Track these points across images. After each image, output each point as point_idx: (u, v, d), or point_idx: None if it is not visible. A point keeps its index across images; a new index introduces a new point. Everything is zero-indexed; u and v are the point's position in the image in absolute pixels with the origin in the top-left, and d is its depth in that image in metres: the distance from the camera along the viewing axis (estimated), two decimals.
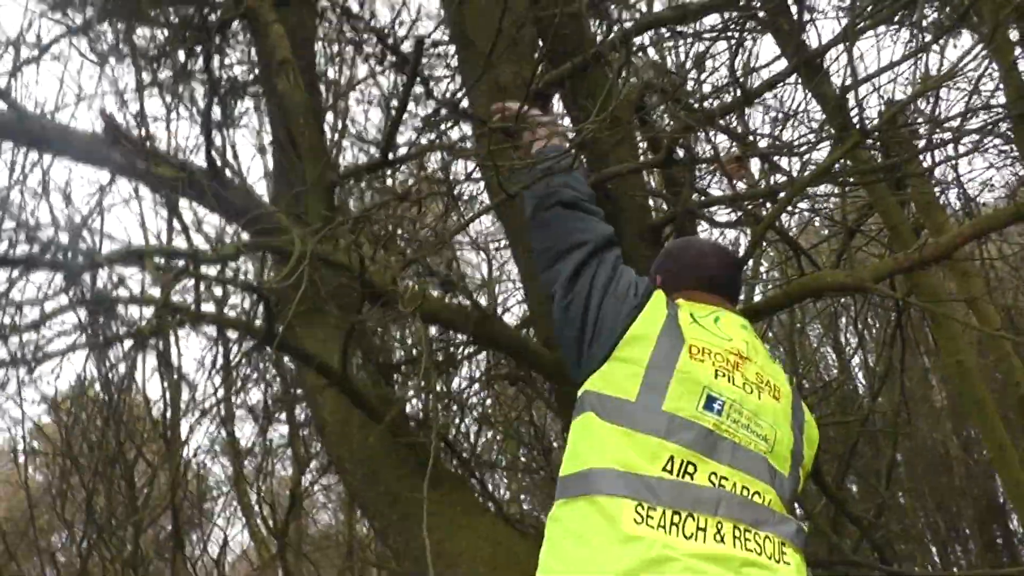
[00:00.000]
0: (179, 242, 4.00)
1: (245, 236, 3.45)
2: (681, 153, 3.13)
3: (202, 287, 3.18)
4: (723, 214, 3.58)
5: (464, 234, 4.74)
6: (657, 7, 4.87)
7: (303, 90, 3.17)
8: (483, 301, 5.88)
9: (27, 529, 6.83)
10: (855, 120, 2.63)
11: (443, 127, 3.84)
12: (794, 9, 3.47)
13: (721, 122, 4.44)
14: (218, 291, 3.96)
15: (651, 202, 3.80)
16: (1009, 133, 5.39)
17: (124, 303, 3.10)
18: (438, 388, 4.01)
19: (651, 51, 4.48)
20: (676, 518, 1.77)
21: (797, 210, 4.05)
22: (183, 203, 3.83)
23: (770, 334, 10.04)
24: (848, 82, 2.63)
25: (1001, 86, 5.43)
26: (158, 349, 7.25)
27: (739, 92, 2.95)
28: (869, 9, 3.53)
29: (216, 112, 4.11)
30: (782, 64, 3.58)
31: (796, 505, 2.30)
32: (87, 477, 6.18)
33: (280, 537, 6.13)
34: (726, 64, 3.09)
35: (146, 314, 3.32)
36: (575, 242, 2.28)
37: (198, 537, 8.38)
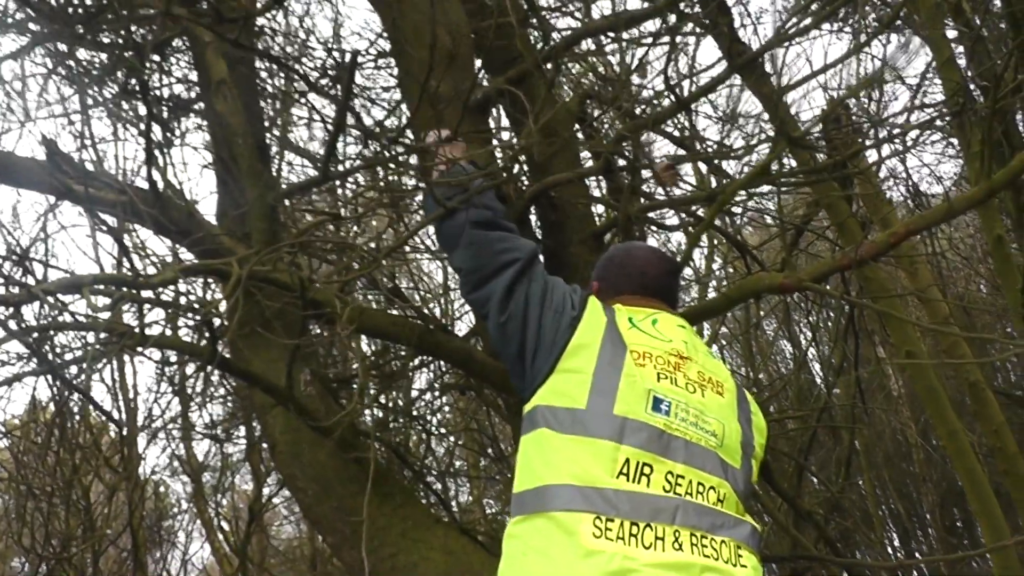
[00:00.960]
0: (129, 263, 3.95)
1: (190, 257, 3.44)
2: (621, 161, 3.17)
3: (147, 309, 3.16)
4: (667, 218, 3.62)
5: (417, 243, 4.75)
6: (597, 14, 4.89)
7: (241, 111, 3.17)
8: (438, 311, 5.91)
9: None
10: (787, 123, 2.68)
11: (385, 141, 3.85)
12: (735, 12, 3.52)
13: (667, 126, 4.51)
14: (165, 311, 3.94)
15: (594, 208, 3.84)
16: (949, 127, 5.50)
17: (68, 329, 3.07)
18: (383, 401, 4.02)
19: (591, 59, 4.50)
20: (635, 529, 1.79)
21: (742, 210, 4.11)
22: (130, 226, 3.79)
23: (725, 329, 10.19)
24: (781, 84, 2.68)
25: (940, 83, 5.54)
26: (111, 371, 7.21)
27: (674, 98, 2.98)
28: (812, 8, 3.60)
29: (157, 133, 4.08)
30: (723, 67, 3.63)
31: (753, 498, 2.34)
32: (43, 502, 6.11)
33: (241, 552, 6.08)
34: (665, 70, 3.11)
35: (91, 339, 3.30)
36: (504, 261, 2.27)
37: (159, 556, 8.30)
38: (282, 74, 3.94)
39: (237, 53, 3.36)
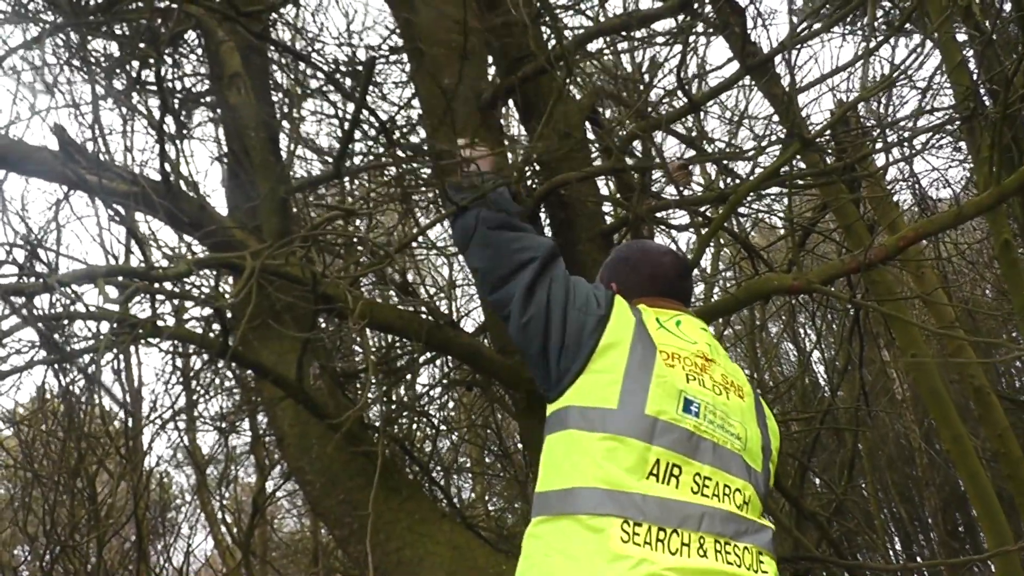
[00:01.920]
0: (142, 254, 3.97)
1: (201, 249, 3.45)
2: (631, 160, 3.18)
3: (160, 301, 3.18)
4: (675, 218, 3.62)
5: (426, 239, 4.77)
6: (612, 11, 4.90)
7: (254, 104, 3.18)
8: (445, 307, 5.92)
9: None
10: (799, 125, 2.69)
11: (399, 137, 3.86)
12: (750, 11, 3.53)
13: (678, 126, 4.52)
14: (176, 303, 3.96)
15: (605, 207, 3.85)
16: (958, 132, 5.50)
17: (81, 319, 3.09)
18: (393, 396, 4.04)
19: (605, 58, 4.52)
20: (662, 534, 1.80)
21: (752, 211, 4.11)
22: (140, 216, 3.81)
23: (730, 331, 10.17)
24: (796, 86, 2.69)
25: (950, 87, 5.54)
26: (117, 362, 7.23)
27: (686, 98, 2.99)
28: (823, 11, 3.61)
29: (170, 124, 4.10)
30: (735, 68, 3.64)
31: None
32: (48, 490, 6.14)
33: (243, 544, 6.10)
34: (678, 70, 3.12)
35: (104, 329, 3.31)
36: (522, 260, 2.26)
37: (162, 547, 8.34)
38: (296, 67, 3.94)
39: (253, 46, 3.37)
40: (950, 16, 5.48)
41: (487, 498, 9.12)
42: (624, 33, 3.72)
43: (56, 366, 4.80)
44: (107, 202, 3.12)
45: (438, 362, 4.52)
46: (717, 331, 9.81)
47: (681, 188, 3.14)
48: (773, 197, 5.66)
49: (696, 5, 3.17)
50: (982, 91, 5.62)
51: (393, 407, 3.88)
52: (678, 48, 3.66)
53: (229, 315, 3.15)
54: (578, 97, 3.94)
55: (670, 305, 2.35)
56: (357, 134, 4.12)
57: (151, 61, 3.88)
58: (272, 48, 3.73)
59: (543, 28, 3.77)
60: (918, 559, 15.41)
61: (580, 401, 2.02)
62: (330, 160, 3.54)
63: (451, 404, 5.89)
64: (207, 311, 3.42)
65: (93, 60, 4.12)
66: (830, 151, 3.55)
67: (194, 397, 5.51)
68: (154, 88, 3.91)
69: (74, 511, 6.60)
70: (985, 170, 3.10)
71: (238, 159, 3.57)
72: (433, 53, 3.44)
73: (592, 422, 1.97)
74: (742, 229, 7.96)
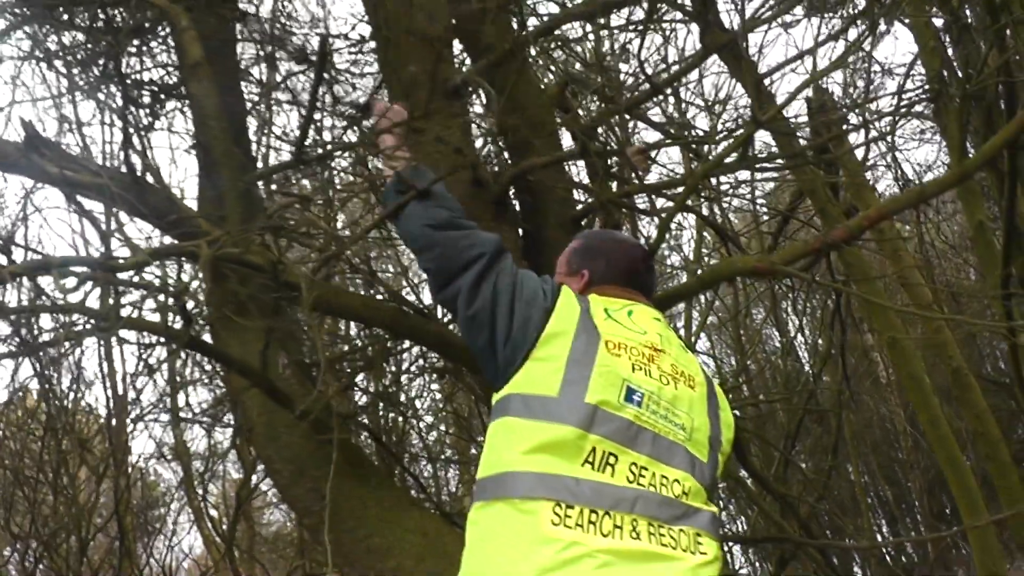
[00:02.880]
0: (106, 247, 3.95)
1: (168, 240, 3.44)
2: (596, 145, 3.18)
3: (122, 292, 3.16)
4: (646, 203, 3.63)
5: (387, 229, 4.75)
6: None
7: (216, 93, 3.16)
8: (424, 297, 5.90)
9: None
10: (757, 107, 2.69)
11: (363, 125, 3.85)
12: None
13: (651, 113, 4.52)
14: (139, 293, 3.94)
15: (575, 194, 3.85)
16: (927, 112, 5.52)
17: (44, 312, 3.07)
18: (364, 385, 4.04)
19: (574, 46, 4.51)
20: (594, 516, 1.80)
21: (714, 195, 4.11)
22: (104, 208, 3.80)
23: (714, 318, 10.22)
24: (757, 67, 2.69)
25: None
26: (99, 357, 7.22)
27: (648, 83, 2.99)
28: None
29: (138, 116, 4.08)
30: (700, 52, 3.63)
31: (720, 487, 2.37)
32: (29, 489, 6.13)
33: (227, 538, 6.10)
34: (650, 55, 3.13)
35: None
36: (470, 257, 2.27)
37: (146, 544, 8.32)
38: (266, 54, 3.93)
39: (217, 35, 3.36)
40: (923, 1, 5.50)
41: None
42: (591, 20, 3.71)
43: (30, 360, 4.80)
44: (69, 194, 3.10)
45: (415, 351, 4.52)
46: (701, 318, 9.84)
47: (641, 173, 3.13)
48: (752, 184, 5.68)
49: None
50: (958, 73, 5.64)
51: (362, 396, 3.88)
52: (648, 34, 3.66)
53: (192, 305, 3.15)
54: (547, 84, 3.94)
55: (627, 295, 2.36)
56: (328, 123, 4.11)
57: (113, 52, 3.87)
58: (236, 28, 3.71)
59: (510, 15, 3.76)
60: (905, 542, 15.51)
61: (522, 389, 2.03)
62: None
63: (437, 395, 5.90)
64: (170, 302, 3.40)
65: (61, 53, 4.11)
66: (792, 132, 3.55)
67: (173, 390, 5.50)
68: (117, 78, 3.89)
69: (57, 509, 6.59)
70: (956, 151, 3.12)
71: (205, 149, 3.55)
72: (399, 41, 3.43)
73: (532, 410, 1.97)
74: (724, 216, 7.99)
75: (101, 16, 3.69)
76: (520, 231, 3.52)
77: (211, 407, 5.74)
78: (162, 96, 4.37)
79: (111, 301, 3.24)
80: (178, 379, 5.17)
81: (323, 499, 3.06)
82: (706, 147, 3.98)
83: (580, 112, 3.94)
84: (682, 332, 8.04)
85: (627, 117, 4.50)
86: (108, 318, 2.74)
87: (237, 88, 4.00)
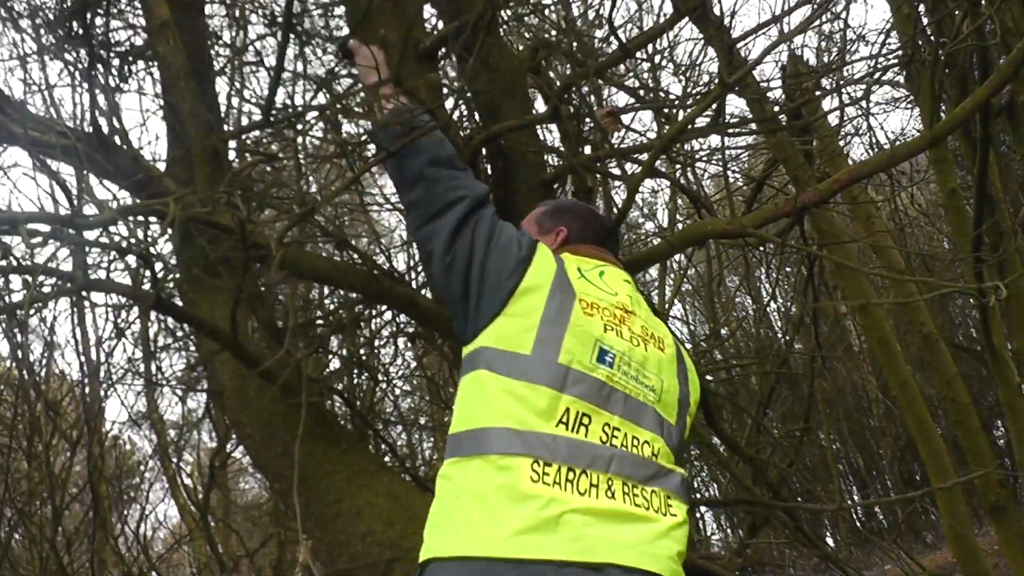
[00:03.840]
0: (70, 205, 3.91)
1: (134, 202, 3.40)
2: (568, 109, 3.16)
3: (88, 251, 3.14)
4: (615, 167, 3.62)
5: (375, 196, 4.74)
6: None
7: (182, 53, 3.13)
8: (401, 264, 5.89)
9: None
10: (724, 70, 2.69)
11: (334, 87, 3.81)
12: None
13: (625, 79, 4.50)
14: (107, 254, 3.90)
15: (549, 158, 3.83)
16: (900, 80, 5.53)
17: (9, 273, 3.04)
18: (335, 348, 4.03)
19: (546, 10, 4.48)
20: (571, 475, 1.81)
21: (688, 161, 4.11)
22: (71, 170, 3.75)
23: (688, 286, 10.27)
24: (727, 30, 2.68)
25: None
26: (72, 322, 7.14)
27: (619, 45, 2.98)
28: None
29: (105, 76, 4.03)
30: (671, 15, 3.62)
31: (686, 451, 2.38)
32: (2, 456, 6.07)
33: (201, 506, 6.08)
34: (624, 23, 3.11)
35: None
36: (452, 199, 2.23)
37: (120, 513, 8.29)
38: (233, 16, 3.88)
39: None
40: None
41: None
42: None
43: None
44: (33, 153, 3.07)
45: (387, 316, 4.51)
46: (675, 284, 9.87)
47: (610, 136, 3.12)
48: (724, 150, 5.67)
49: None
50: (933, 41, 5.65)
51: (334, 359, 3.88)
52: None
53: (160, 267, 3.12)
54: (519, 50, 3.91)
55: (600, 255, 2.36)
56: (300, 87, 4.07)
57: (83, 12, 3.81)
58: None
59: None
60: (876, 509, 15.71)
61: (494, 343, 2.02)
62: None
63: (412, 363, 5.89)
64: (136, 261, 3.37)
65: (24, 13, 4.04)
66: (759, 95, 3.55)
67: (146, 354, 5.45)
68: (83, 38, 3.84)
69: (32, 476, 6.54)
70: (928, 115, 3.13)
71: (173, 110, 3.51)
72: (371, 3, 3.38)
73: (506, 365, 1.97)
74: (698, 182, 7.99)
75: None
76: (491, 195, 3.51)
77: (184, 372, 5.72)
78: (130, 58, 4.31)
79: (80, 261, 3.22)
80: (151, 344, 5.11)
81: (293, 463, 3.06)
82: (679, 113, 3.98)
83: (552, 76, 3.92)
84: (656, 299, 8.05)
85: (600, 82, 4.50)
86: (75, 279, 2.71)
87: (205, 50, 3.95)
